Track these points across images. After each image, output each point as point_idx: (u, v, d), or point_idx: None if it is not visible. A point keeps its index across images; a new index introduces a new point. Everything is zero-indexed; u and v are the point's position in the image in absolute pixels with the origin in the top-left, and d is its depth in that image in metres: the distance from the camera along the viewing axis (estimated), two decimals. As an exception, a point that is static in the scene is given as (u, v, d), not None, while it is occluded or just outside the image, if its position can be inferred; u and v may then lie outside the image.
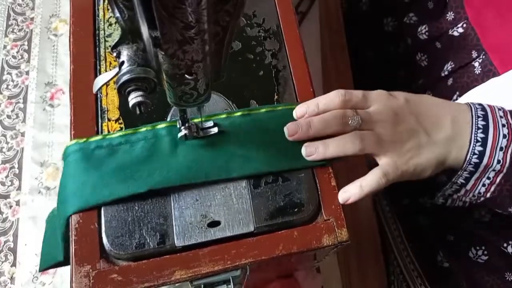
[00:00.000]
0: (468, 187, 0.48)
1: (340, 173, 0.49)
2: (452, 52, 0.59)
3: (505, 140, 0.45)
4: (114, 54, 0.35)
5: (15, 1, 0.79)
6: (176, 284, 0.44)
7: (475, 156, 0.46)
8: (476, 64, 0.55)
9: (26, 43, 0.76)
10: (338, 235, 0.46)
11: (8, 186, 0.66)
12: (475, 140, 0.46)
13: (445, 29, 0.59)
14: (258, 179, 0.47)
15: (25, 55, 0.75)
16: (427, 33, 0.62)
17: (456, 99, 0.58)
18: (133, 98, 0.35)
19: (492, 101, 0.51)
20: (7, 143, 0.69)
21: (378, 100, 0.48)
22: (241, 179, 0.47)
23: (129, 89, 0.35)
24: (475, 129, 0.46)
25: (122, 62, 0.34)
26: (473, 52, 0.56)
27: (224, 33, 0.34)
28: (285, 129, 0.47)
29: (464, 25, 0.57)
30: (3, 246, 0.63)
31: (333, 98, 0.47)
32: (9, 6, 0.79)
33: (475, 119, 0.46)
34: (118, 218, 0.44)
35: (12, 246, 0.63)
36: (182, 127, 0.46)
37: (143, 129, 0.47)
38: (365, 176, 0.46)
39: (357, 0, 0.76)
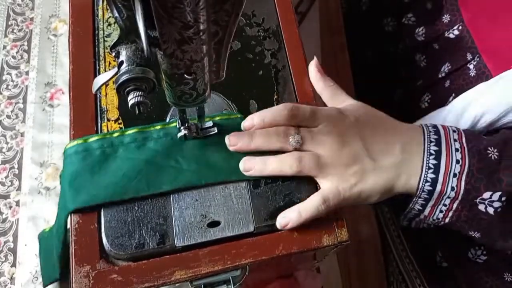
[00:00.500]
0: (426, 213, 0.46)
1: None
2: (449, 54, 0.59)
3: (458, 166, 0.43)
4: (113, 54, 0.35)
5: (15, 1, 0.79)
6: (176, 284, 0.44)
7: (428, 183, 0.44)
8: (471, 66, 0.55)
9: (25, 43, 0.76)
10: (338, 235, 0.46)
11: (8, 187, 0.66)
12: (427, 167, 0.44)
13: (441, 31, 0.59)
14: (258, 179, 0.47)
15: (25, 55, 0.75)
16: (424, 35, 0.62)
17: (451, 101, 0.58)
18: (132, 98, 0.35)
19: (482, 104, 0.51)
20: (6, 143, 0.69)
21: (326, 119, 0.45)
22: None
23: (128, 89, 0.35)
24: (427, 155, 0.44)
25: (121, 62, 0.34)
26: (468, 55, 0.56)
27: (223, 32, 0.34)
28: (226, 139, 0.46)
29: (460, 28, 0.57)
30: (3, 246, 0.63)
31: (280, 111, 0.45)
32: (8, 6, 0.79)
33: (427, 144, 0.44)
34: (118, 218, 0.44)
35: (12, 246, 0.63)
36: (182, 127, 0.46)
37: (134, 130, 0.47)
38: (305, 201, 0.44)
39: (357, 0, 0.76)
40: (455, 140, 0.44)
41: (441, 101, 0.59)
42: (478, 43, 0.55)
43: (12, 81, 0.73)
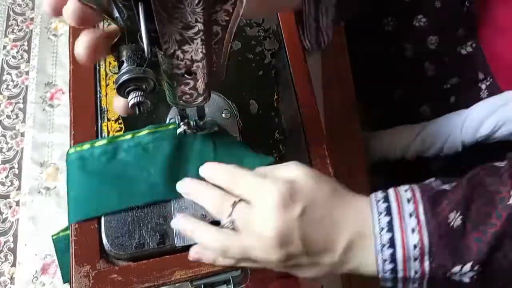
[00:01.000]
0: None
1: (340, 174, 0.49)
2: (459, 69, 0.57)
3: (417, 250, 0.38)
4: (114, 54, 0.35)
5: (15, 1, 0.79)
6: (176, 284, 0.44)
7: (388, 272, 0.39)
8: (483, 86, 0.54)
9: (26, 43, 0.76)
10: (338, 235, 0.45)
11: (8, 186, 0.66)
12: (382, 260, 0.39)
13: (454, 45, 0.58)
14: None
15: (25, 55, 0.75)
16: (436, 44, 0.60)
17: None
18: (133, 98, 0.35)
19: (505, 112, 0.50)
20: (7, 143, 0.69)
21: (270, 202, 0.39)
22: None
23: (128, 89, 0.35)
24: (380, 246, 0.38)
25: (122, 62, 0.34)
26: (479, 74, 0.55)
27: (223, 32, 0.34)
28: (177, 186, 0.44)
29: (474, 45, 0.55)
30: (3, 246, 0.63)
31: (219, 175, 0.42)
32: (9, 7, 0.79)
33: (379, 232, 0.39)
34: (118, 218, 0.44)
35: (12, 246, 0.63)
36: (181, 123, 0.46)
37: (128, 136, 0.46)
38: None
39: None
40: (410, 215, 0.39)
41: (444, 114, 0.59)
42: (491, 62, 0.53)
43: (12, 81, 0.73)
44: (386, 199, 0.40)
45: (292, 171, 0.41)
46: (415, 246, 0.38)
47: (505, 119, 0.50)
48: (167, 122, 0.49)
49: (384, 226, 0.39)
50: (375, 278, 0.40)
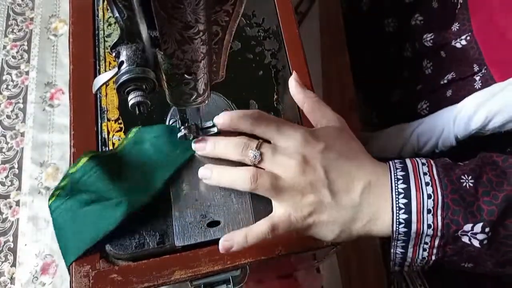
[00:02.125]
0: (410, 254, 0.43)
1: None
2: (455, 64, 0.58)
3: (431, 201, 0.40)
4: (114, 54, 0.35)
5: (15, 1, 0.79)
6: (176, 284, 0.44)
7: (402, 225, 0.41)
8: (477, 78, 0.55)
9: (25, 43, 0.76)
10: (338, 235, 0.45)
11: (8, 186, 0.66)
12: (397, 208, 0.41)
13: (449, 40, 0.58)
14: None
15: (25, 55, 0.75)
16: (431, 41, 0.61)
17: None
18: (133, 98, 0.35)
19: (494, 104, 0.50)
20: (6, 143, 0.69)
21: (292, 139, 0.43)
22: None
23: (128, 89, 0.35)
24: (396, 195, 0.41)
25: (122, 62, 0.34)
26: (474, 66, 0.55)
27: (223, 33, 0.34)
28: (193, 144, 0.46)
29: (468, 38, 0.56)
30: (3, 246, 0.63)
31: (246, 117, 0.44)
32: (8, 6, 0.79)
33: (395, 183, 0.41)
34: (118, 218, 0.44)
35: (12, 246, 0.63)
36: (182, 127, 0.46)
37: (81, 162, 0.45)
38: (253, 226, 0.42)
39: (358, 0, 0.76)
40: (424, 174, 0.41)
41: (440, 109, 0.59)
42: (486, 54, 0.53)
43: (12, 81, 0.73)
44: (402, 162, 0.44)
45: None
46: (429, 196, 0.40)
47: (495, 111, 0.50)
48: (167, 122, 0.49)
49: (400, 177, 0.42)
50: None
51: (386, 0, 0.70)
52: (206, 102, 0.41)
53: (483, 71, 0.54)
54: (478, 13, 0.55)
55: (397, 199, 0.41)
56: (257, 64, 0.54)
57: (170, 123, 0.49)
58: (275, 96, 0.52)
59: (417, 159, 0.44)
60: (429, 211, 0.40)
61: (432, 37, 0.60)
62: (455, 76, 0.57)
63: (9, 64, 0.74)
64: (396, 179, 0.41)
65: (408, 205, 0.40)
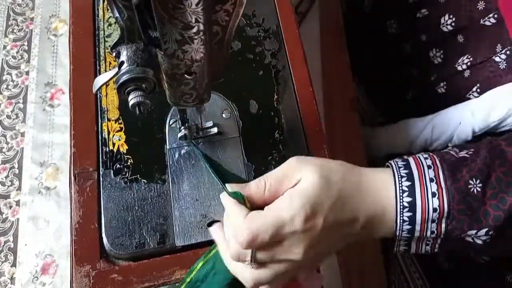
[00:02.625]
0: (413, 249, 0.43)
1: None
2: (472, 46, 0.56)
3: (436, 214, 0.39)
4: (114, 54, 0.35)
5: (15, 1, 0.79)
6: (176, 284, 0.44)
7: (405, 232, 0.40)
8: (498, 59, 0.53)
9: (26, 43, 0.76)
10: (338, 235, 0.45)
11: (8, 186, 0.66)
12: (401, 221, 0.40)
13: (476, 19, 0.56)
14: (258, 179, 0.47)
15: (25, 55, 0.75)
16: (453, 24, 0.58)
17: (477, 90, 0.56)
18: (133, 98, 0.35)
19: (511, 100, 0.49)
20: (7, 143, 0.69)
21: (294, 234, 0.38)
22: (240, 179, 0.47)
23: (128, 89, 0.35)
24: (400, 209, 0.39)
25: (122, 62, 0.34)
26: (498, 46, 0.54)
27: (223, 33, 0.34)
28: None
29: (496, 16, 0.54)
30: (3, 246, 0.63)
31: (237, 242, 0.38)
32: (9, 6, 0.79)
33: (400, 200, 0.39)
34: (118, 218, 0.44)
35: (12, 246, 0.63)
36: (182, 127, 0.46)
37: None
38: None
39: (359, 1, 0.76)
40: (431, 180, 0.40)
41: (460, 90, 0.57)
42: (511, 30, 0.52)
43: (12, 81, 0.73)
44: (407, 166, 0.41)
45: (302, 183, 0.39)
46: (435, 210, 0.39)
47: None
48: (167, 122, 0.49)
49: (406, 189, 0.40)
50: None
51: (388, 1, 0.69)
52: (206, 102, 0.41)
53: (507, 52, 0.53)
54: None
55: (401, 213, 0.39)
56: (257, 64, 0.54)
57: (170, 123, 0.49)
58: (275, 96, 0.52)
59: (421, 160, 0.42)
60: (433, 221, 0.39)
61: (453, 19, 0.58)
62: (473, 60, 0.56)
63: (9, 64, 0.74)
64: (401, 191, 0.40)
65: (412, 218, 0.39)
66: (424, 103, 0.64)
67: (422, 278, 0.66)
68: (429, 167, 0.41)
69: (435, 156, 0.42)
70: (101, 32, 0.53)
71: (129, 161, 0.47)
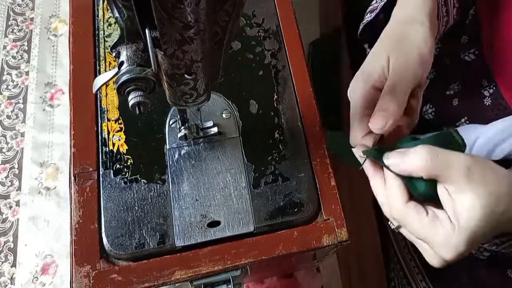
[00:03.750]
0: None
1: (340, 174, 0.49)
2: (461, 74, 0.57)
3: None
4: (114, 54, 0.35)
5: (15, 1, 0.79)
6: (176, 284, 0.44)
7: None
8: (486, 93, 0.54)
9: (25, 43, 0.76)
10: (338, 235, 0.46)
11: (8, 187, 0.66)
12: None
13: (456, 52, 0.57)
14: (258, 179, 0.47)
15: (25, 56, 0.75)
16: (438, 50, 0.60)
17: (465, 122, 0.56)
18: (133, 98, 0.35)
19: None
20: (7, 143, 0.69)
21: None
22: (240, 179, 0.47)
23: (128, 89, 0.35)
24: None
25: (122, 62, 0.34)
26: (483, 81, 0.55)
27: (223, 33, 0.34)
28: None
29: (477, 52, 0.55)
30: (3, 246, 0.63)
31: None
32: (8, 7, 0.79)
33: None
34: (118, 218, 0.44)
35: (12, 246, 0.63)
36: (182, 127, 0.46)
37: None
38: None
39: (359, 3, 0.76)
40: None
41: (448, 118, 0.58)
42: (495, 72, 0.53)
43: (12, 81, 0.73)
44: None
45: (469, 211, 0.36)
46: None
47: None
48: (167, 122, 0.49)
49: None
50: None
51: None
52: (206, 102, 0.41)
53: (492, 87, 0.54)
54: (488, 29, 0.54)
55: None
56: (257, 64, 0.54)
57: (170, 123, 0.49)
58: (275, 96, 0.52)
59: None
60: None
61: (440, 46, 0.59)
62: (461, 88, 0.57)
63: (9, 64, 0.74)
64: None
65: None
66: None
67: (421, 273, 0.66)
68: None
69: None
70: (101, 32, 0.53)
71: (129, 161, 0.47)
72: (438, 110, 0.60)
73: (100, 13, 0.54)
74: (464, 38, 0.56)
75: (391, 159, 0.38)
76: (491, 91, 0.54)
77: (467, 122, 0.57)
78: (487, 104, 0.53)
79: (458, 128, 0.58)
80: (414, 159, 0.37)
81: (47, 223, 0.63)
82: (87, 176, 0.46)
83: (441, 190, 0.37)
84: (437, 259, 0.38)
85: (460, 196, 0.36)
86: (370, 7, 0.54)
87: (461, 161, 0.36)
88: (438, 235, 0.36)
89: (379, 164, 0.39)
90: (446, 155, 0.36)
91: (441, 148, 0.37)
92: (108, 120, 0.49)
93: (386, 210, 0.39)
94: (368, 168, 0.41)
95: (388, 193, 0.39)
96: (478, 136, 0.54)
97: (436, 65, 0.61)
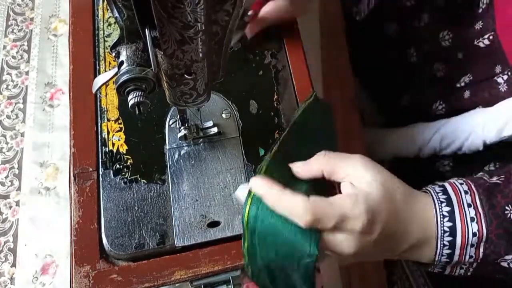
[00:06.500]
0: (447, 272, 0.44)
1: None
2: (473, 64, 0.57)
3: (475, 238, 0.39)
4: (113, 54, 0.35)
5: (15, 1, 0.79)
6: (176, 285, 0.44)
7: (444, 257, 0.41)
8: (500, 80, 0.54)
9: (25, 43, 0.76)
10: (338, 235, 0.45)
11: (8, 187, 0.66)
12: (441, 245, 0.40)
13: (470, 39, 0.56)
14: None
15: (25, 56, 0.75)
16: (450, 40, 0.59)
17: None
18: (133, 98, 0.35)
19: None
20: (7, 143, 0.69)
21: (352, 231, 0.39)
22: (240, 179, 0.47)
23: (128, 89, 0.35)
24: (441, 233, 0.40)
25: (121, 62, 0.34)
26: (497, 67, 0.54)
27: (223, 32, 0.34)
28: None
29: (491, 37, 0.54)
30: (3, 246, 0.63)
31: (301, 212, 0.38)
32: (8, 6, 0.79)
33: (440, 221, 0.40)
34: (118, 218, 0.44)
35: (12, 246, 0.63)
36: (182, 128, 0.46)
37: None
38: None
39: (358, 3, 0.76)
40: (469, 206, 0.41)
41: (460, 110, 0.58)
42: (509, 56, 0.52)
43: (12, 81, 0.73)
44: (445, 191, 0.42)
45: (368, 187, 0.40)
46: (474, 234, 0.40)
47: None
48: (167, 122, 0.49)
49: (446, 214, 0.41)
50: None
51: (386, 4, 0.69)
52: (206, 102, 0.41)
53: (506, 73, 0.53)
54: (503, 12, 0.54)
55: (442, 237, 0.40)
56: (257, 64, 0.54)
57: (170, 123, 0.49)
58: (275, 96, 0.52)
59: (457, 186, 0.42)
60: (472, 246, 0.40)
61: (450, 35, 0.58)
62: (473, 78, 0.56)
63: (9, 64, 0.74)
64: (442, 216, 0.41)
65: (452, 242, 0.40)
66: (422, 110, 0.64)
67: (424, 276, 0.66)
68: (465, 192, 0.41)
69: (469, 182, 0.42)
70: (101, 32, 0.53)
71: (129, 161, 0.47)
72: (448, 105, 0.60)
73: (100, 13, 0.54)
74: (479, 23, 0.55)
75: (295, 168, 0.42)
76: (505, 77, 0.53)
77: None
78: (502, 90, 0.53)
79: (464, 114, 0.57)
80: (317, 160, 0.41)
81: (47, 223, 0.63)
82: (87, 176, 0.46)
83: (343, 185, 0.40)
84: (351, 240, 0.39)
85: (359, 175, 0.40)
86: None
87: (357, 156, 0.41)
88: (347, 203, 0.38)
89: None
90: (341, 154, 0.41)
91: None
92: (108, 120, 0.49)
93: (302, 218, 0.38)
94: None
95: (290, 206, 0.38)
96: (488, 117, 0.54)
97: (448, 60, 0.60)
